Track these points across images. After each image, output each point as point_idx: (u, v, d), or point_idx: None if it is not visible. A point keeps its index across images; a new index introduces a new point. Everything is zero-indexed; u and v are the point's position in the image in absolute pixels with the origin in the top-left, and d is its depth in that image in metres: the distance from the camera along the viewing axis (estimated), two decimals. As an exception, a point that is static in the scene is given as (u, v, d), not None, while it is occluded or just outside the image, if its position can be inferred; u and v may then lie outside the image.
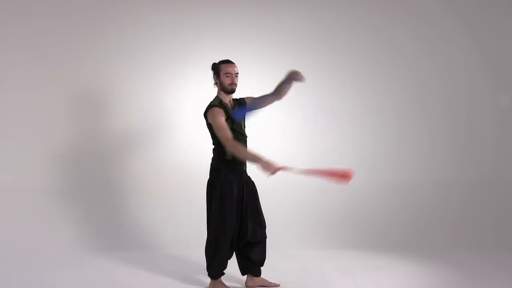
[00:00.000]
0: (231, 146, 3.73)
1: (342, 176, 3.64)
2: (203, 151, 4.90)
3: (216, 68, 3.90)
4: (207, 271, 3.93)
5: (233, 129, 3.83)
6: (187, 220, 5.21)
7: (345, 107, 5.64)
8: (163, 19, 5.39)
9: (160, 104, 5.39)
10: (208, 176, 3.95)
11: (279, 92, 4.04)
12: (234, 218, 3.85)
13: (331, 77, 5.61)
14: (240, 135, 3.87)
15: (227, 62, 3.90)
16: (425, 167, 5.64)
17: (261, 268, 4.03)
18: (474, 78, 5.71)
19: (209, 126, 3.88)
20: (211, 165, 3.94)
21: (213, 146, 3.94)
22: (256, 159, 3.64)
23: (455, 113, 5.70)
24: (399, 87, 5.67)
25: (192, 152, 5.31)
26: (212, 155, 3.96)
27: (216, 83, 3.93)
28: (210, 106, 3.85)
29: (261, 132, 4.88)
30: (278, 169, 3.58)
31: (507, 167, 5.67)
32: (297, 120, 5.57)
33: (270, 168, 3.58)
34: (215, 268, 3.90)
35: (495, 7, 5.71)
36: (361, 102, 5.64)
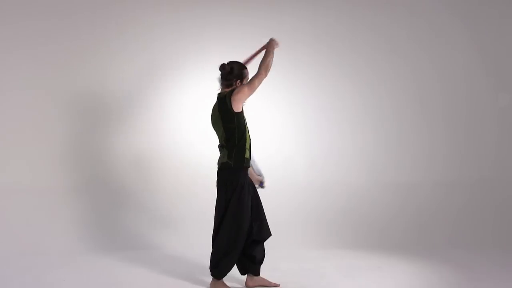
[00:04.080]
0: (263, 70, 3.85)
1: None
2: (203, 151, 4.93)
3: (243, 73, 3.91)
4: (212, 271, 3.90)
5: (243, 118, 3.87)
6: (187, 220, 5.22)
7: (345, 107, 5.64)
8: (163, 20, 5.39)
9: (161, 104, 5.39)
10: (213, 176, 3.93)
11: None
12: (250, 218, 3.87)
13: (331, 77, 5.62)
14: (245, 125, 3.89)
15: (246, 67, 3.95)
16: (425, 167, 5.64)
17: (262, 268, 4.03)
18: (474, 78, 5.72)
19: (232, 117, 3.81)
20: (226, 165, 3.86)
21: (226, 145, 3.86)
22: (267, 49, 3.95)
23: (455, 113, 5.70)
24: (399, 87, 5.67)
25: (193, 152, 5.31)
26: (223, 155, 3.89)
27: (232, 85, 3.89)
28: (231, 90, 3.85)
29: (261, 132, 4.88)
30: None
31: (507, 167, 5.67)
32: (297, 120, 5.58)
33: (274, 42, 3.98)
34: (224, 268, 3.88)
35: (495, 7, 5.71)
36: (361, 102, 5.65)
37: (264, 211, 4.01)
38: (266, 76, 3.87)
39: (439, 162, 5.66)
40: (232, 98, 3.81)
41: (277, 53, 5.47)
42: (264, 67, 3.86)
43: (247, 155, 3.86)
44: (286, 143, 5.54)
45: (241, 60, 3.97)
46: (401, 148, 5.65)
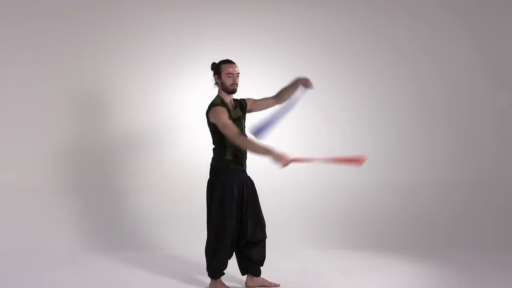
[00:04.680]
0: (241, 141, 3.72)
1: (355, 161, 3.70)
2: (203, 151, 4.89)
3: (217, 68, 3.88)
4: (207, 271, 3.93)
5: None
6: (187, 220, 5.21)
7: (345, 107, 5.64)
8: (163, 19, 5.39)
9: (161, 103, 5.39)
10: (208, 176, 3.96)
11: (280, 96, 4.06)
12: (235, 218, 3.85)
13: (331, 77, 5.61)
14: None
15: (228, 62, 3.89)
16: (425, 167, 5.64)
17: (261, 268, 4.03)
18: (474, 78, 5.71)
19: (211, 126, 3.87)
20: (211, 165, 3.93)
21: (213, 146, 3.94)
22: (267, 151, 3.61)
23: (455, 113, 5.70)
24: (399, 87, 5.67)
25: (192, 151, 5.31)
26: (212, 155, 3.95)
27: (216, 83, 3.92)
28: (213, 105, 3.84)
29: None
30: (291, 160, 3.57)
31: (507, 167, 5.67)
32: (296, 120, 5.55)
33: (282, 159, 3.57)
34: (215, 268, 3.91)
35: (495, 7, 5.71)
36: (361, 102, 5.65)
37: (263, 212, 4.01)
38: (233, 140, 3.71)
39: (439, 162, 5.66)
40: (208, 114, 3.83)
41: (277, 52, 5.52)
42: (242, 140, 3.69)
43: (228, 156, 3.84)
44: (286, 143, 5.52)
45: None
46: (401, 148, 5.65)
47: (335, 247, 5.20)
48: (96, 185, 5.27)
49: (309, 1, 5.59)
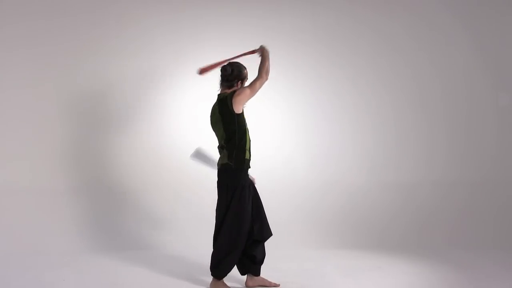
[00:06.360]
0: (266, 73, 3.97)
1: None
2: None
3: (242, 74, 3.95)
4: (212, 271, 3.92)
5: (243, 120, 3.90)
6: (187, 220, 5.22)
7: (345, 107, 5.64)
8: (163, 19, 5.39)
9: (161, 104, 5.39)
10: (213, 177, 3.94)
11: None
12: (250, 218, 3.88)
13: (331, 76, 5.62)
14: (245, 127, 3.91)
15: (246, 68, 4.01)
16: (425, 167, 5.64)
17: (262, 268, 4.03)
18: (474, 78, 5.71)
19: (233, 118, 3.83)
20: (227, 167, 3.87)
21: (227, 146, 3.87)
22: (265, 57, 4.02)
23: (455, 113, 5.70)
24: (399, 87, 5.67)
25: (192, 151, 5.30)
26: (224, 156, 3.90)
27: (233, 85, 3.92)
28: (230, 95, 3.87)
29: (261, 132, 4.88)
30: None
31: (507, 167, 5.67)
32: (297, 119, 5.58)
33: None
34: (225, 268, 3.90)
35: (495, 7, 5.71)
36: (361, 102, 5.65)
37: (265, 211, 4.01)
38: (267, 79, 3.97)
39: (439, 162, 5.66)
40: (233, 100, 3.85)
41: (277, 52, 5.51)
42: (264, 71, 3.97)
43: (247, 156, 3.88)
44: (286, 143, 5.54)
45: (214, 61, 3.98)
46: (401, 148, 5.65)
47: (335, 247, 5.21)
48: (97, 185, 5.26)
49: (309, 1, 5.59)
